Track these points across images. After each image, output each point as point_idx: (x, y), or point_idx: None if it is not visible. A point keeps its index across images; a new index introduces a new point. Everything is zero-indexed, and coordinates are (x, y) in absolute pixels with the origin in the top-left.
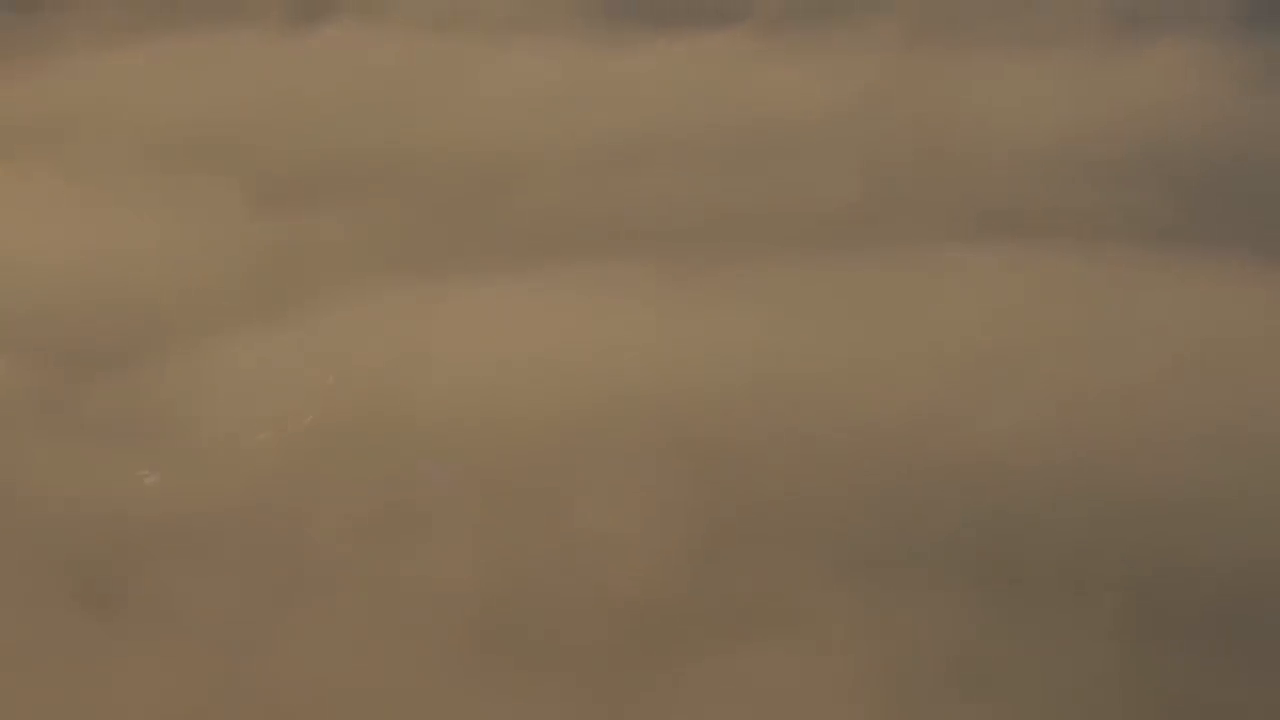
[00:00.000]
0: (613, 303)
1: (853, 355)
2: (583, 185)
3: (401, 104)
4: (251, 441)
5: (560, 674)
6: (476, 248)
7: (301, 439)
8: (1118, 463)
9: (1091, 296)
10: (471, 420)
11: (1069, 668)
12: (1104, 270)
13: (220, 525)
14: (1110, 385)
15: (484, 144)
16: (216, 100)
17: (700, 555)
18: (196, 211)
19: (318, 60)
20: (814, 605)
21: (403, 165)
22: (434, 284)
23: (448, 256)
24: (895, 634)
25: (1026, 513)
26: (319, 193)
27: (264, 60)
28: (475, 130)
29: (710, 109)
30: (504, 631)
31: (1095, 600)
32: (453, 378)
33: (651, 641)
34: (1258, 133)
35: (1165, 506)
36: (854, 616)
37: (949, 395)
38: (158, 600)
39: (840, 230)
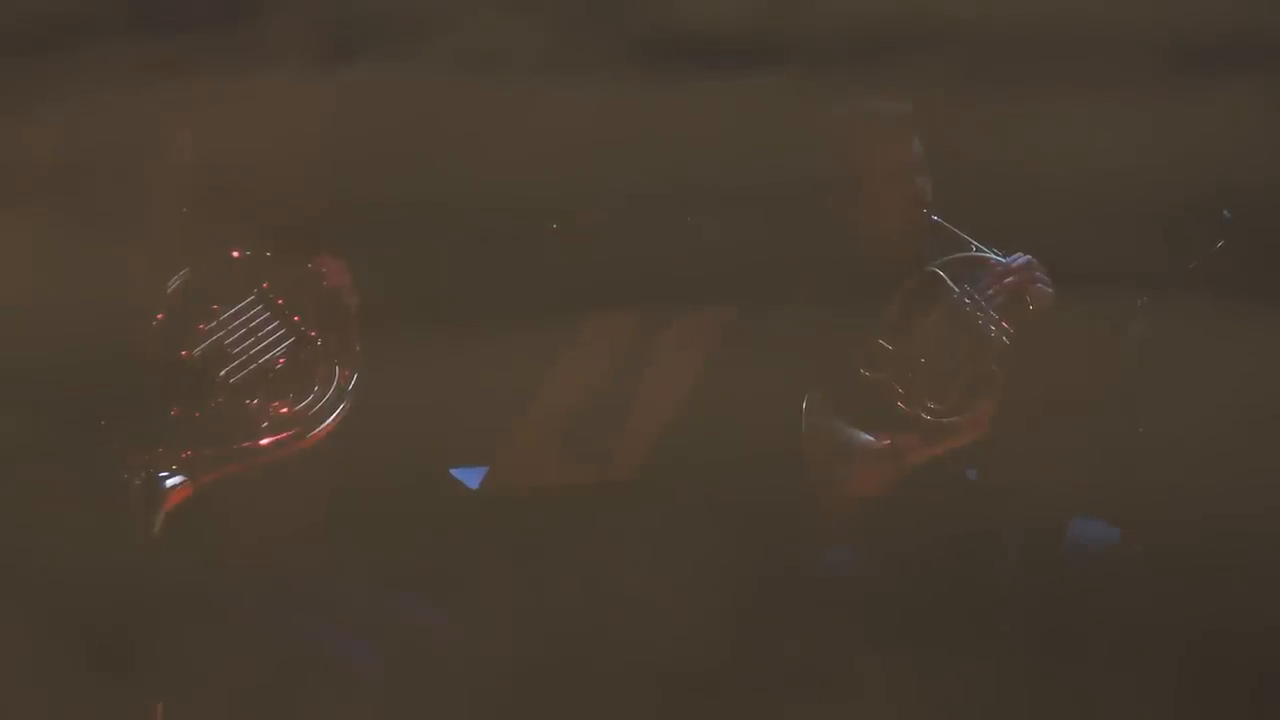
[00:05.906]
0: (652, 355)
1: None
2: (621, 233)
3: (430, 148)
4: (271, 499)
5: None
6: (508, 297)
7: (324, 495)
8: (1176, 523)
9: (1152, 348)
10: (504, 477)
11: None
12: (1166, 321)
13: (239, 585)
14: (1170, 441)
15: (517, 189)
16: (236, 144)
17: (744, 617)
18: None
19: (343, 103)
20: (861, 669)
21: (430, 211)
22: (463, 334)
23: (478, 306)
24: (944, 699)
25: (1079, 575)
26: (344, 240)
27: (286, 103)
28: (507, 175)
29: (752, 152)
30: (540, 697)
31: (1151, 665)
32: (484, 432)
33: (694, 707)
34: None
35: (1226, 569)
36: (901, 680)
37: (997, 451)
38: (175, 663)
39: (889, 277)
